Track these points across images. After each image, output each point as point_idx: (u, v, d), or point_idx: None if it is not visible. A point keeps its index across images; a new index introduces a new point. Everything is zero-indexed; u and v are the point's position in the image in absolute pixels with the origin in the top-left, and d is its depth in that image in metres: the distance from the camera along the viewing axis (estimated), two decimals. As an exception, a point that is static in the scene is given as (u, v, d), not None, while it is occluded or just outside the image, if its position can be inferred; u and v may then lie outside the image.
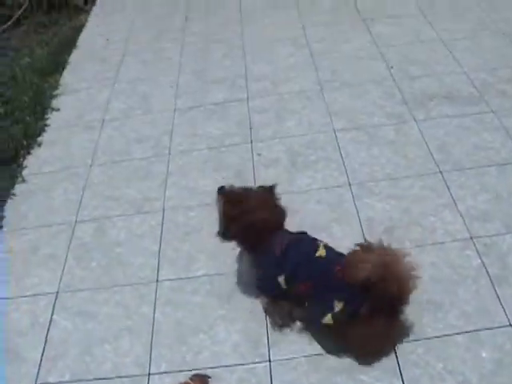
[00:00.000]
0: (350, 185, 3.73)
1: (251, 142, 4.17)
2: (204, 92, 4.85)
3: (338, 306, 2.61)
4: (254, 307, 3.06)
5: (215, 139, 4.29)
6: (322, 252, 2.78)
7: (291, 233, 2.95)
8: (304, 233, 2.99)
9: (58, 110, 4.93)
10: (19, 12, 6.32)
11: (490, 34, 5.05)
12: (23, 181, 4.20)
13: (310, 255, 2.76)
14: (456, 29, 5.21)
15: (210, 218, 3.39)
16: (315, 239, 2.89)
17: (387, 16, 5.57)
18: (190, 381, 2.86)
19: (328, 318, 2.63)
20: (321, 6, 5.90)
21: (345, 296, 2.60)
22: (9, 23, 6.22)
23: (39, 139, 4.61)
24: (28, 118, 4.72)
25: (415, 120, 4.19)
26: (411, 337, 2.90)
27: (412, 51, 5.02)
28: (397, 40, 5.19)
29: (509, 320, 2.91)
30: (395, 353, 2.84)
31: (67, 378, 2.97)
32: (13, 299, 3.40)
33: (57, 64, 5.48)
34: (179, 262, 3.45)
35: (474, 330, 2.90)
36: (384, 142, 4.04)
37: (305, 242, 2.87)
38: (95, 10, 6.63)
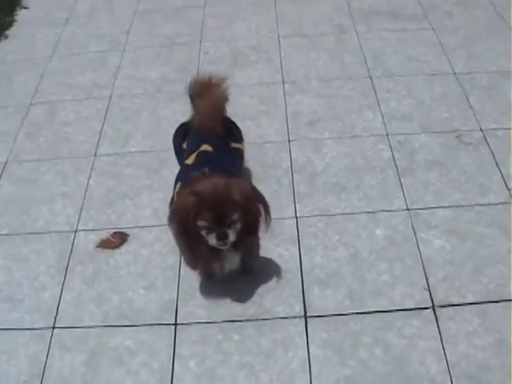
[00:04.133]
0: (283, 82, 3.96)
1: (200, 43, 4.39)
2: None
3: None
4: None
5: (168, 38, 4.51)
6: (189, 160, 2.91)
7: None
8: (232, 122, 3.17)
9: (27, 8, 5.10)
10: None
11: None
12: (-14, 63, 4.39)
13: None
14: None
15: (151, 105, 3.83)
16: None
17: None
18: (110, 237, 3.15)
19: None
20: None
21: None
22: None
23: (6, 33, 4.78)
24: (-1, 15, 4.87)
25: (356, 31, 4.39)
26: (315, 211, 3.14)
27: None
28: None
29: (407, 205, 3.17)
30: (296, 224, 3.08)
31: (5, 231, 3.23)
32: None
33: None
34: (117, 141, 3.70)
35: (373, 212, 3.16)
36: (323, 48, 4.26)
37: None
38: None
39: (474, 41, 4.28)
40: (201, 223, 2.41)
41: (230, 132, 3.00)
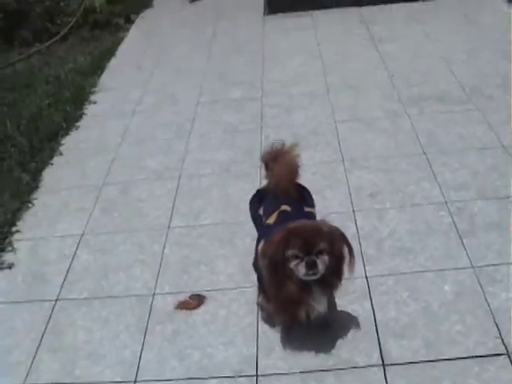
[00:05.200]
0: (343, 160, 4.14)
1: (261, 129, 4.61)
2: (224, 91, 5.31)
3: None
4: (250, 247, 3.29)
5: (230, 125, 4.74)
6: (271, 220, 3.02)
7: None
8: (304, 187, 3.28)
9: (95, 102, 5.44)
10: (66, 29, 6.90)
11: (485, 50, 5.49)
12: (60, 154, 4.69)
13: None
14: (454, 45, 5.68)
15: (219, 183, 4.04)
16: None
17: (394, 37, 6.02)
18: (188, 299, 3.26)
19: None
20: (337, 28, 6.36)
21: None
22: (56, 37, 6.80)
23: (77, 124, 5.08)
24: (68, 108, 5.21)
25: (408, 115, 4.59)
26: (384, 271, 3.24)
27: (412, 64, 5.48)
28: (400, 55, 5.65)
29: (471, 263, 3.25)
30: (367, 283, 3.19)
31: (84, 295, 3.37)
32: (44, 238, 3.79)
33: (97, 68, 6.00)
34: (189, 215, 3.86)
35: (440, 270, 3.25)
36: (378, 130, 4.46)
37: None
38: (134, 28, 7.18)
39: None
40: (290, 252, 2.55)
41: (303, 197, 3.13)
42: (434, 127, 4.40)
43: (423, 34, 5.94)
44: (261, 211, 3.10)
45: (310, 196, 3.16)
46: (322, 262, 2.55)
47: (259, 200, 3.13)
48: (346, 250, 2.62)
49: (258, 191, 3.16)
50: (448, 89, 4.90)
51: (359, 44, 5.88)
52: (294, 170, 3.08)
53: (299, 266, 2.55)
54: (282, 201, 2.96)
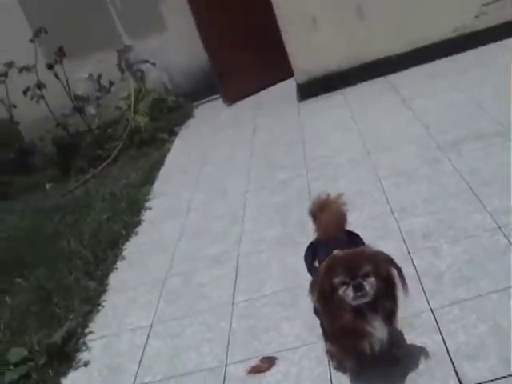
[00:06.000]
0: (392, 212, 4.15)
1: (309, 200, 4.67)
2: (271, 177, 5.47)
3: None
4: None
5: (280, 204, 4.84)
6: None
7: None
8: (355, 234, 3.30)
9: (151, 209, 5.62)
10: (115, 152, 7.24)
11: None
12: (123, 259, 4.83)
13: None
14: (480, 90, 5.72)
15: (277, 256, 4.12)
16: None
17: (422, 94, 6.13)
18: (260, 362, 3.26)
19: None
20: (367, 99, 6.58)
21: None
22: (108, 161, 7.14)
23: (136, 230, 5.25)
24: (126, 218, 5.41)
25: (448, 159, 4.60)
26: (448, 302, 3.21)
27: (444, 114, 5.53)
28: (431, 109, 5.71)
29: None
30: (433, 315, 3.18)
31: (159, 377, 3.40)
32: (115, 334, 3.88)
33: (148, 179, 6.23)
34: (251, 289, 3.91)
35: (504, 289, 3.20)
36: (421, 178, 4.51)
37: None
38: (178, 138, 7.48)
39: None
40: (337, 280, 2.58)
41: (354, 241, 3.14)
42: (475, 163, 4.40)
43: (449, 87, 6.03)
44: (316, 263, 3.10)
45: (361, 239, 3.18)
46: (369, 284, 2.56)
47: (313, 253, 3.16)
48: (394, 272, 2.56)
49: (311, 244, 3.20)
50: (483, 127, 4.92)
51: (390, 108, 5.98)
52: (341, 217, 3.12)
53: (347, 290, 2.57)
54: (333, 247, 2.97)
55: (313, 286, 2.65)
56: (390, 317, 2.68)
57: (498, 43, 6.66)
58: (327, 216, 3.11)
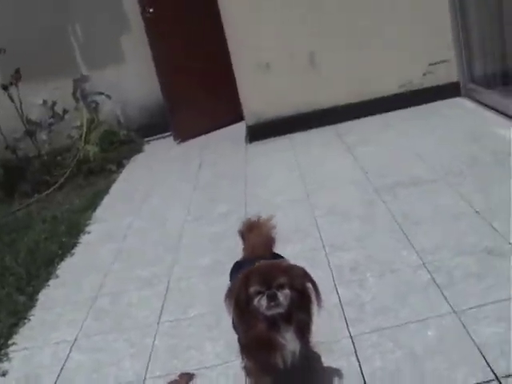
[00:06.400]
0: (324, 247, 4.20)
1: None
2: (210, 210, 5.53)
3: None
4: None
5: (216, 235, 4.87)
6: None
7: None
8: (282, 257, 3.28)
9: (89, 232, 5.57)
10: (62, 179, 7.18)
11: (453, 139, 5.70)
12: (57, 277, 4.77)
13: None
14: (424, 141, 5.91)
15: (207, 281, 4.20)
16: None
17: (367, 141, 6.31)
18: (178, 378, 3.23)
19: None
20: (313, 144, 6.73)
21: None
22: (54, 187, 7.07)
23: (72, 251, 5.20)
24: (64, 239, 5.37)
25: (383, 201, 4.69)
26: (368, 329, 3.24)
27: (385, 160, 5.68)
28: (373, 155, 5.85)
29: (452, 308, 3.30)
30: (352, 341, 3.20)
31: None
32: (39, 347, 3.81)
33: (91, 205, 6.19)
34: (178, 310, 3.91)
35: (422, 319, 3.27)
36: (355, 218, 4.61)
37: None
38: (126, 170, 7.46)
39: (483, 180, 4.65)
40: (252, 289, 2.59)
41: None
42: (408, 206, 4.49)
43: (392, 138, 6.19)
44: None
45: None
46: (283, 295, 2.58)
47: (237, 270, 3.14)
48: (309, 286, 2.61)
49: (237, 263, 3.20)
50: (419, 174, 5.07)
51: (334, 153, 6.09)
52: (269, 238, 3.14)
53: (261, 300, 2.57)
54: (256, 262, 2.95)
55: (229, 295, 2.65)
56: (303, 330, 2.69)
57: (443, 101, 6.91)
58: (256, 236, 3.13)
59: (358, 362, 3.01)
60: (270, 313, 2.61)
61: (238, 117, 7.43)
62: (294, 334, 2.64)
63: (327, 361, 3.05)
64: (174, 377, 3.24)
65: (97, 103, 8.07)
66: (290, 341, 2.64)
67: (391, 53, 6.88)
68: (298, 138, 6.93)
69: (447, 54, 6.89)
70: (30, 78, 7.33)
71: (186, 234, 5.01)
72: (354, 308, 3.45)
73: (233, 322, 2.86)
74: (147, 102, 8.17)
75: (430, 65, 6.89)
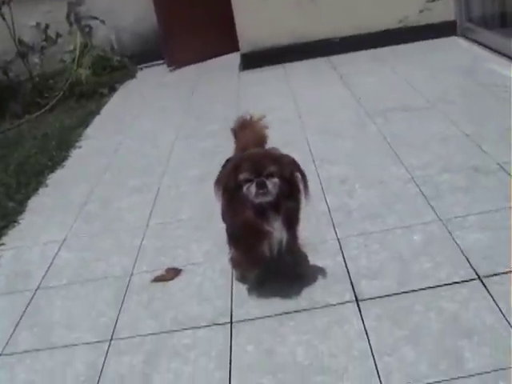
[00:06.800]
0: (313, 160, 4.17)
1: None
2: (201, 127, 5.52)
3: None
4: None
5: (207, 149, 4.92)
6: None
7: None
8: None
9: (80, 147, 5.51)
10: (54, 100, 7.08)
11: (444, 72, 5.67)
12: (46, 186, 4.73)
13: None
14: (414, 72, 5.87)
15: (196, 190, 4.35)
16: None
17: (361, 73, 6.26)
18: (164, 272, 3.21)
19: None
20: (306, 73, 6.67)
21: None
22: (45, 108, 6.97)
23: (63, 164, 5.15)
24: (54, 153, 5.30)
25: (375, 123, 4.66)
26: (354, 233, 3.24)
27: (377, 89, 5.66)
28: (366, 85, 5.82)
29: (439, 217, 3.29)
30: (338, 242, 3.19)
31: (64, 282, 3.41)
32: (28, 247, 3.82)
33: (82, 123, 6.11)
34: (167, 214, 3.94)
35: (409, 226, 3.26)
36: (346, 137, 4.59)
37: None
38: (118, 94, 7.36)
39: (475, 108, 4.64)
40: (242, 176, 2.57)
41: None
42: (399, 129, 4.46)
43: (386, 70, 6.14)
44: None
45: None
46: (271, 184, 2.57)
47: None
48: (297, 175, 2.62)
49: (228, 160, 3.15)
50: (411, 102, 5.03)
51: (327, 82, 6.05)
52: (261, 136, 3.10)
53: (250, 187, 2.56)
54: None
55: (219, 181, 2.63)
56: (290, 219, 2.68)
57: (440, 39, 6.84)
58: (248, 134, 3.09)
59: (344, 261, 3.01)
60: (258, 200, 2.60)
61: (234, 47, 7.28)
62: (281, 222, 2.63)
63: (313, 259, 3.02)
64: (160, 271, 3.20)
65: (90, 28, 7.94)
66: (277, 229, 2.63)
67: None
68: (293, 67, 6.85)
69: (446, -10, 6.70)
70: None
71: (177, 149, 4.97)
72: (342, 214, 3.44)
73: (222, 211, 2.82)
74: (142, 29, 8.06)
75: (428, 1, 6.75)
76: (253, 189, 2.56)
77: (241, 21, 6.76)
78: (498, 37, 6.02)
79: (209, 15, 7.49)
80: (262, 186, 2.55)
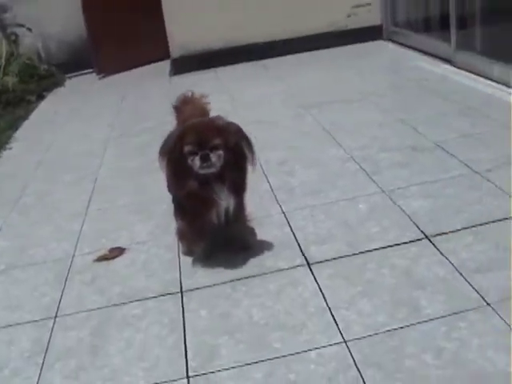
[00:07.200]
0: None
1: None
2: (135, 126, 5.36)
3: None
4: (167, 210, 3.21)
5: (143, 143, 4.78)
6: None
7: None
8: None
9: (11, 148, 5.30)
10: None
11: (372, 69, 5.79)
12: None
13: None
14: (346, 70, 5.98)
15: (133, 178, 4.37)
16: None
17: (294, 75, 6.32)
18: (107, 252, 3.09)
19: None
20: (238, 75, 6.67)
21: None
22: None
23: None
24: (-16, 154, 5.05)
25: (310, 114, 4.68)
26: (299, 206, 3.19)
27: (311, 87, 5.72)
28: (300, 84, 5.90)
29: (381, 189, 3.31)
30: (284, 215, 3.14)
31: (2, 267, 3.19)
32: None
33: (11, 127, 5.90)
34: (105, 201, 3.83)
35: (352, 198, 3.27)
36: (283, 127, 4.63)
37: None
38: (46, 101, 7.16)
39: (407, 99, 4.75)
40: (186, 148, 2.52)
41: None
42: (335, 117, 4.49)
43: (319, 71, 6.27)
44: None
45: None
46: (216, 156, 2.52)
47: None
48: (243, 144, 2.58)
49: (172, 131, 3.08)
50: (345, 95, 5.13)
51: (261, 83, 6.07)
52: (204, 111, 3.05)
53: (195, 159, 2.51)
54: None
55: (163, 151, 2.55)
56: (237, 188, 2.64)
57: (367, 43, 7.05)
58: (190, 108, 3.03)
59: (292, 231, 2.97)
60: (202, 172, 2.55)
61: (166, 54, 7.18)
62: (227, 191, 2.59)
63: (260, 232, 2.96)
64: (103, 251, 3.06)
65: (17, 35, 7.67)
66: (223, 198, 2.59)
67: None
68: (225, 70, 6.84)
69: (371, -3, 6.86)
70: None
71: (111, 146, 4.87)
72: (285, 192, 3.43)
73: (167, 182, 2.74)
74: (69, 37, 7.88)
75: (354, 7, 6.86)
76: (197, 161, 2.50)
77: (171, 25, 6.71)
78: (422, 38, 6.26)
79: (139, 22, 7.35)
80: (206, 159, 2.51)
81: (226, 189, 2.59)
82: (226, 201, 2.61)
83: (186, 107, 3.06)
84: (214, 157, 2.52)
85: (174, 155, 2.56)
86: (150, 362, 2.20)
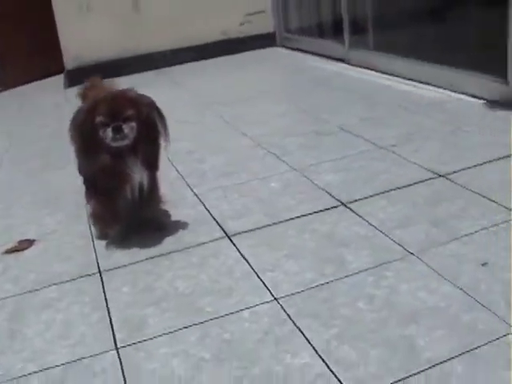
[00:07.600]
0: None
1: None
2: (33, 134, 5.13)
3: None
4: (77, 200, 3.16)
5: (45, 147, 4.49)
6: None
7: None
8: None
9: None
10: None
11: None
12: None
13: None
14: (244, 75, 5.96)
15: (38, 175, 4.14)
16: None
17: (195, 80, 6.33)
18: (17, 244, 2.91)
19: None
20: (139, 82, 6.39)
21: None
22: None
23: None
24: None
25: (213, 110, 4.69)
26: (211, 188, 3.15)
27: (214, 89, 5.76)
28: (200, 88, 5.92)
29: (293, 168, 3.26)
30: (197, 196, 3.05)
31: None
32: None
33: None
34: (6, 200, 3.60)
35: (264, 177, 3.24)
36: (188, 123, 4.53)
37: None
38: None
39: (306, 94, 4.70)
40: (98, 119, 2.41)
41: None
42: (237, 112, 4.54)
43: (217, 76, 6.30)
44: None
45: None
46: (128, 128, 2.44)
47: None
48: (156, 117, 2.52)
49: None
50: (247, 94, 5.18)
51: (164, 89, 5.94)
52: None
53: (106, 132, 2.42)
54: None
55: (73, 123, 2.45)
56: (150, 161, 2.57)
57: (262, 50, 7.17)
58: (97, 91, 2.92)
59: (207, 209, 2.92)
60: (115, 144, 2.45)
61: (61, 67, 6.96)
62: (140, 164, 2.51)
63: (174, 213, 2.89)
64: (12, 244, 2.88)
65: None
66: (136, 171, 2.51)
67: (212, 1, 6.91)
68: (121, 80, 6.64)
69: (263, 5, 6.98)
70: None
71: (12, 152, 4.62)
72: (196, 176, 3.38)
73: (77, 160, 2.62)
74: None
75: (247, 15, 6.93)
76: (109, 133, 2.41)
77: (64, 36, 6.52)
78: (316, 41, 6.47)
79: (37, 35, 7.07)
80: (118, 130, 2.42)
81: (139, 162, 2.51)
82: (139, 174, 2.53)
83: (94, 90, 2.94)
84: (126, 128, 2.43)
85: (85, 128, 2.44)
86: (75, 339, 2.08)
